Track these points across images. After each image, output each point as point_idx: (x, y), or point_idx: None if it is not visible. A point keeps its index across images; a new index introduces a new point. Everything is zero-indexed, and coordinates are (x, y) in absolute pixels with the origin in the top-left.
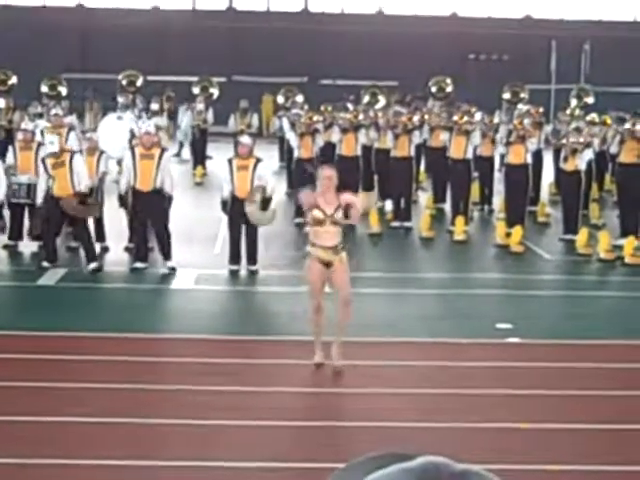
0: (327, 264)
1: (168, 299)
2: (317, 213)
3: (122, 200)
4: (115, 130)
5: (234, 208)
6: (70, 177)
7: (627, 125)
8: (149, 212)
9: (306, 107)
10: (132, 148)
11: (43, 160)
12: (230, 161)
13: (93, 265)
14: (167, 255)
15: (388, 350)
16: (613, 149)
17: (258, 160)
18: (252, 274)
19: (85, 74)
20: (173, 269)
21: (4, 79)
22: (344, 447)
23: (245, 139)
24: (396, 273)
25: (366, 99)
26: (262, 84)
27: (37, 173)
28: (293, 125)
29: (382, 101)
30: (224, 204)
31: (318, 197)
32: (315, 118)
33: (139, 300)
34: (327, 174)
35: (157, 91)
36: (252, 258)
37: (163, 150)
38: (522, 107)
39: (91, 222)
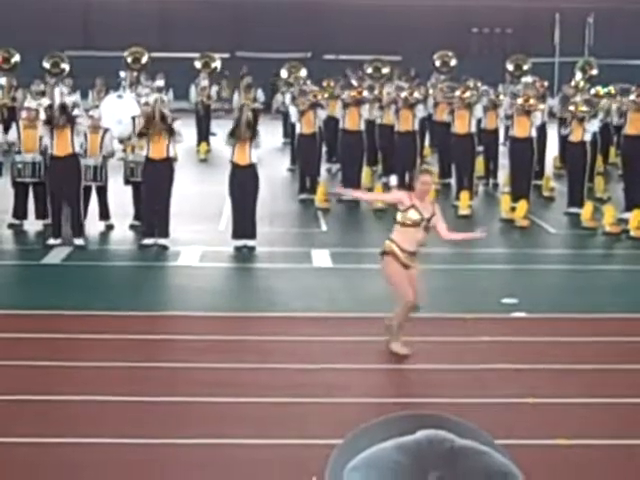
0: (405, 266)
1: (173, 277)
2: (414, 214)
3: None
4: (116, 109)
5: (235, 176)
6: (71, 139)
7: (632, 97)
8: (160, 181)
9: (309, 82)
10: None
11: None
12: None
13: (79, 241)
14: (165, 232)
15: None
16: (616, 121)
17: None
18: (250, 250)
19: (88, 51)
20: (166, 247)
21: (7, 57)
22: (346, 423)
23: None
24: None
25: (369, 71)
26: (266, 60)
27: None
28: (294, 99)
29: (385, 73)
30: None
31: (414, 199)
32: (320, 96)
33: (144, 278)
34: (423, 180)
35: (160, 68)
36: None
37: (173, 119)
38: (527, 79)
39: (95, 200)
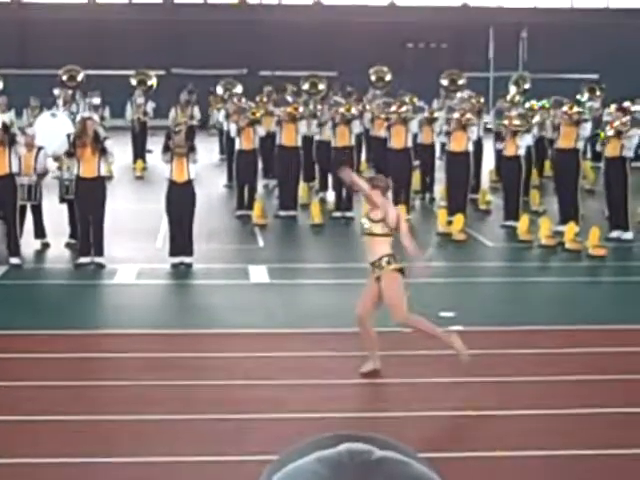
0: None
1: (110, 294)
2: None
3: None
4: (50, 127)
5: (172, 193)
6: (9, 159)
7: (564, 108)
8: (92, 200)
9: (244, 99)
10: (74, 138)
11: None
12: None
13: (15, 260)
14: (101, 250)
15: (331, 341)
16: (549, 135)
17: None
18: (187, 267)
19: (23, 70)
20: (102, 266)
21: None
22: (283, 439)
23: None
24: (338, 263)
25: (305, 87)
26: (202, 77)
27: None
28: (228, 116)
29: (322, 90)
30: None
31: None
32: (259, 113)
33: (81, 296)
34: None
35: (97, 86)
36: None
37: (104, 138)
38: (464, 94)
39: (30, 218)
